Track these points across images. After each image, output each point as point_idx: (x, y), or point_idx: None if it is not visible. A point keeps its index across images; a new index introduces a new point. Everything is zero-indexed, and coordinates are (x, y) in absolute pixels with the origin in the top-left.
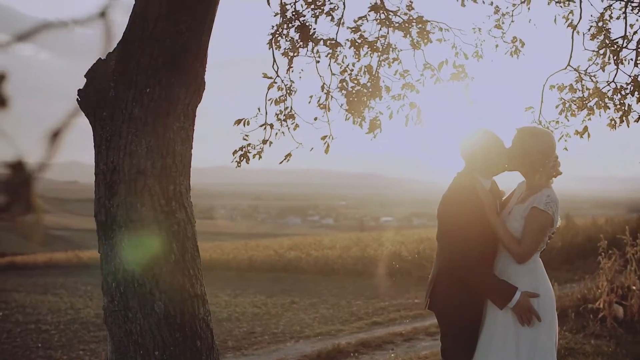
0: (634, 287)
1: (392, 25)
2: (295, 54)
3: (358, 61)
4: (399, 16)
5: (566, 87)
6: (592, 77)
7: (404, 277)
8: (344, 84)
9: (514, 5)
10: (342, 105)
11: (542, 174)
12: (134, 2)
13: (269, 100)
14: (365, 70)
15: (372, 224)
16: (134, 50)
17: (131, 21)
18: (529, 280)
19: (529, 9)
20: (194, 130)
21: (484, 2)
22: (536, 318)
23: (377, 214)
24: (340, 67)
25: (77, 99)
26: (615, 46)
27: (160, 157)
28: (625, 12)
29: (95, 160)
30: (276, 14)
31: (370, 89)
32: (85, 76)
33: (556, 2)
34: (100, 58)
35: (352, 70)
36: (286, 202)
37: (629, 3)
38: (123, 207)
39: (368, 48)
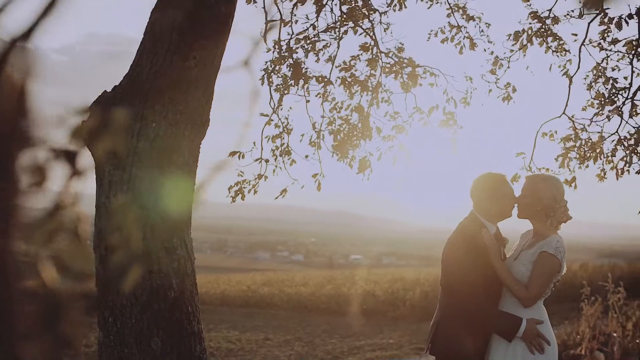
0: (615, 334)
1: (383, 67)
2: (286, 92)
3: (351, 99)
4: (390, 57)
5: (566, 135)
6: (586, 128)
7: (378, 317)
8: (332, 124)
9: (511, 51)
10: (332, 145)
11: (553, 220)
12: (142, 36)
13: (265, 137)
14: (355, 109)
15: (341, 261)
16: (141, 85)
17: (139, 55)
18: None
19: (524, 55)
20: (197, 166)
21: (485, 50)
22: (546, 343)
23: (346, 252)
24: (330, 105)
25: (81, 132)
26: (613, 97)
27: (163, 193)
28: (631, 63)
29: (96, 193)
30: (269, 50)
31: (360, 129)
32: (89, 109)
33: (553, 51)
34: (105, 90)
35: (341, 108)
36: (256, 236)
37: (634, 55)
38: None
39: (359, 87)
